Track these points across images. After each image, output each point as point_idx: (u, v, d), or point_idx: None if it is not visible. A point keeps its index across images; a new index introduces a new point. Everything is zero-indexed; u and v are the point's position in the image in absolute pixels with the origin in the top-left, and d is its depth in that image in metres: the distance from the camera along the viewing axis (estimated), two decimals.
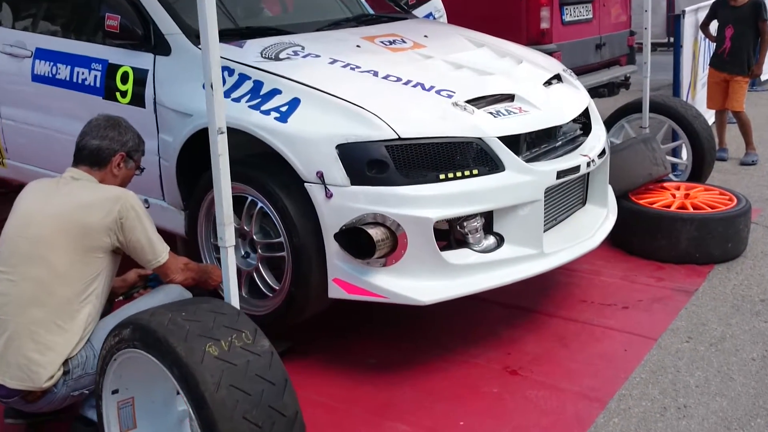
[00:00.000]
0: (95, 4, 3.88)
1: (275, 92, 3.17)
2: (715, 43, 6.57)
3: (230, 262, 2.37)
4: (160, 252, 2.73)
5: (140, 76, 3.59)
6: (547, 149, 3.52)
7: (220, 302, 2.38)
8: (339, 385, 3.20)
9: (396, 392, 3.13)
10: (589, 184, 3.85)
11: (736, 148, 6.71)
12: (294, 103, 3.11)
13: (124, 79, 3.64)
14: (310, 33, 3.89)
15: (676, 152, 5.72)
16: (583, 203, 3.86)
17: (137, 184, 3.05)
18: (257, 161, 3.24)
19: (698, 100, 6.80)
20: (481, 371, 3.27)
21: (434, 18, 5.24)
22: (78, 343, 2.62)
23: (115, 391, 2.46)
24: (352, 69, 3.38)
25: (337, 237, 2.99)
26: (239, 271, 3.29)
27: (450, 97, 3.26)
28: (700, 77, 6.99)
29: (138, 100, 3.59)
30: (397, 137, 3.00)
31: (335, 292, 3.09)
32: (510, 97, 3.45)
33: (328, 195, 2.98)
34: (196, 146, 3.29)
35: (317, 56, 3.48)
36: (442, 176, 3.03)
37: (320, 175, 2.99)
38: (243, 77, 3.27)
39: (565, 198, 3.63)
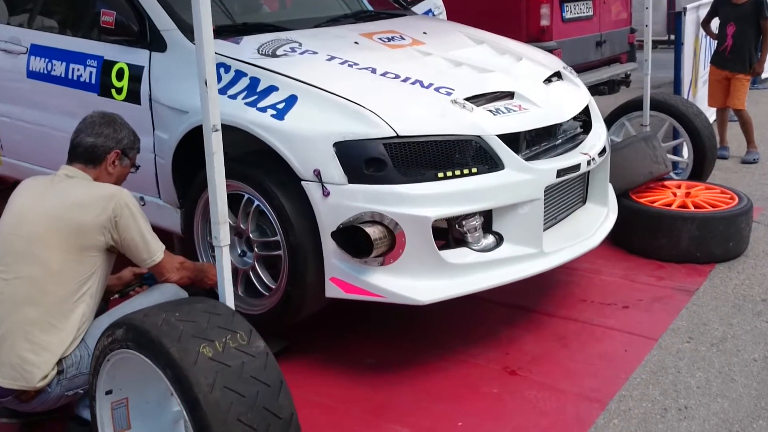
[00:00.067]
0: (90, 0, 3.84)
1: (272, 89, 3.14)
2: (716, 41, 6.56)
3: (225, 261, 2.34)
4: (155, 251, 2.71)
5: (136, 73, 3.56)
6: (547, 147, 3.49)
7: (214, 302, 2.35)
8: (337, 385, 3.18)
9: (394, 392, 3.10)
10: (589, 182, 3.82)
11: (737, 147, 6.69)
12: (291, 101, 3.08)
13: (120, 75, 3.61)
14: (308, 29, 3.86)
15: (677, 150, 5.70)
16: (584, 202, 3.84)
17: (133, 182, 3.03)
18: (254, 159, 3.21)
19: (699, 97, 6.78)
20: (481, 371, 3.24)
21: (433, 15, 5.21)
22: (72, 343, 2.60)
23: (108, 392, 2.44)
24: (350, 66, 3.35)
25: (335, 235, 2.97)
26: (235, 270, 3.27)
27: (449, 94, 3.23)
28: (701, 75, 6.97)
29: (133, 96, 3.55)
30: (395, 135, 2.97)
31: (332, 291, 3.06)
32: (510, 95, 3.43)
33: (326, 193, 2.96)
34: (192, 143, 3.26)
35: (315, 53, 3.45)
36: (440, 174, 3.00)
37: (317, 173, 2.96)
38: (239, 74, 3.24)
39: (565, 196, 3.61)
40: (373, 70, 3.33)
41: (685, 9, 6.31)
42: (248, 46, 3.44)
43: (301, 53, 3.44)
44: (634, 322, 3.64)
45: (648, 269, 4.25)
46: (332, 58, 3.40)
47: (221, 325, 2.21)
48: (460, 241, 3.14)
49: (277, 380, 2.16)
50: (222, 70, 3.24)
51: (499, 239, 3.19)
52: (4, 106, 4.32)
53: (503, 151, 3.13)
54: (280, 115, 3.05)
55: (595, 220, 3.73)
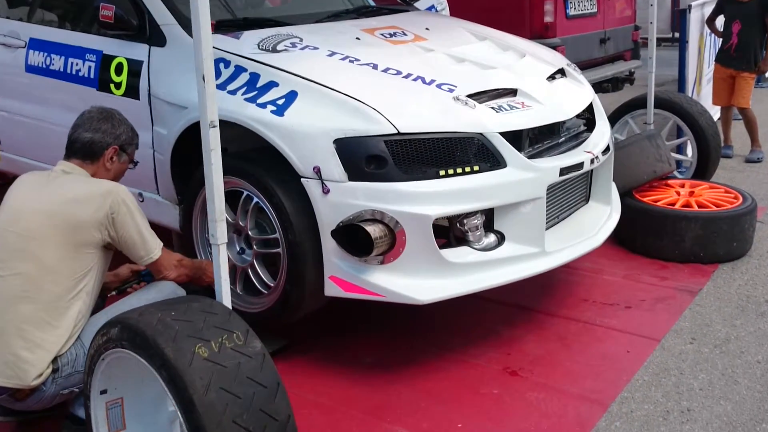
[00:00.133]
0: None
1: (272, 85, 3.11)
2: (721, 39, 6.52)
3: (222, 259, 2.31)
4: (153, 248, 2.68)
5: (135, 68, 3.53)
6: (550, 145, 3.45)
7: (211, 301, 2.32)
8: (335, 385, 3.15)
9: (393, 393, 3.07)
10: (592, 181, 3.79)
11: (742, 145, 6.66)
12: (291, 96, 3.05)
13: (119, 70, 3.58)
14: (309, 25, 3.84)
15: (680, 149, 5.67)
16: (587, 201, 3.80)
17: (131, 178, 3.00)
18: (253, 155, 3.18)
19: (704, 96, 6.75)
20: (481, 372, 3.21)
21: (436, 10, 5.18)
22: (68, 341, 2.57)
23: (103, 391, 2.40)
24: (351, 62, 3.32)
25: (334, 234, 2.93)
26: (234, 267, 3.24)
27: (451, 91, 3.20)
28: (706, 73, 6.94)
29: (132, 91, 3.53)
30: (396, 132, 2.94)
31: (332, 290, 3.03)
32: (512, 92, 3.39)
33: (326, 191, 2.92)
34: (192, 139, 3.23)
35: (315, 48, 3.42)
36: (442, 172, 2.97)
37: (317, 171, 2.93)
38: (239, 69, 3.21)
39: (568, 195, 3.57)
40: (375, 66, 3.29)
41: (690, 6, 6.28)
42: (248, 41, 3.41)
43: (302, 49, 3.41)
44: (637, 323, 3.61)
45: (651, 269, 4.22)
46: (333, 53, 3.37)
47: (217, 325, 2.17)
48: (462, 240, 3.11)
49: (273, 381, 2.13)
50: (222, 65, 3.21)
51: (501, 238, 3.16)
52: (2, 100, 4.30)
53: (506, 148, 3.10)
54: (279, 111, 3.02)
55: (598, 220, 3.70)
